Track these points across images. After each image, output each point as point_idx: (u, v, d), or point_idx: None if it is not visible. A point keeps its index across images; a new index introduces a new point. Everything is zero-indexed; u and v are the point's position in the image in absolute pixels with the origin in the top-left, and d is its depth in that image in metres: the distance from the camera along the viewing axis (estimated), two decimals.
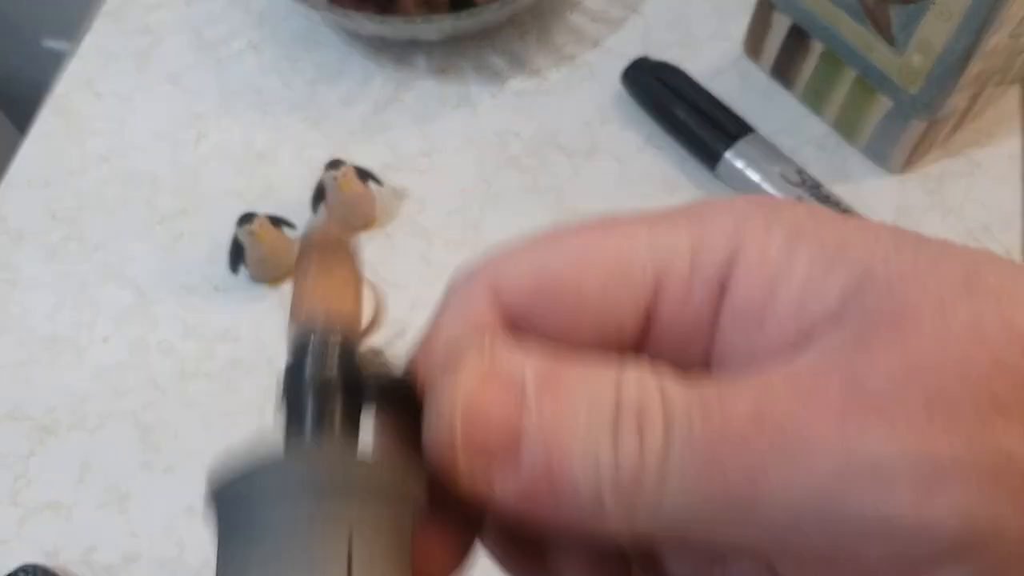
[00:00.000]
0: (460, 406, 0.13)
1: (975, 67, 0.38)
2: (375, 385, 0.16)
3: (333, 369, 0.15)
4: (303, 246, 0.17)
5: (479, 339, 0.14)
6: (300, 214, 0.43)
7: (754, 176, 0.42)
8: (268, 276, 0.42)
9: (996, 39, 0.36)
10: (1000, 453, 0.12)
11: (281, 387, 0.16)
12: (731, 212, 0.14)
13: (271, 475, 0.14)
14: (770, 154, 0.43)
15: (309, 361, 0.15)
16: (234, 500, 0.14)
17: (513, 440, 0.13)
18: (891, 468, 0.12)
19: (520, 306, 0.15)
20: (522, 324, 0.15)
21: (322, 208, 0.43)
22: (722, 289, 0.14)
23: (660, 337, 0.15)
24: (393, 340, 0.40)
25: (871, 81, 0.41)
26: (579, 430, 0.13)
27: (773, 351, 0.13)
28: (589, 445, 0.13)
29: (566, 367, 0.13)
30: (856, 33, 0.40)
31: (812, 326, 0.13)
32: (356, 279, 0.17)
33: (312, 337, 0.15)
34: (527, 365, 0.13)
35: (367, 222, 0.44)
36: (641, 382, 0.13)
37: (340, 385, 0.15)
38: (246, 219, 0.40)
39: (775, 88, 0.47)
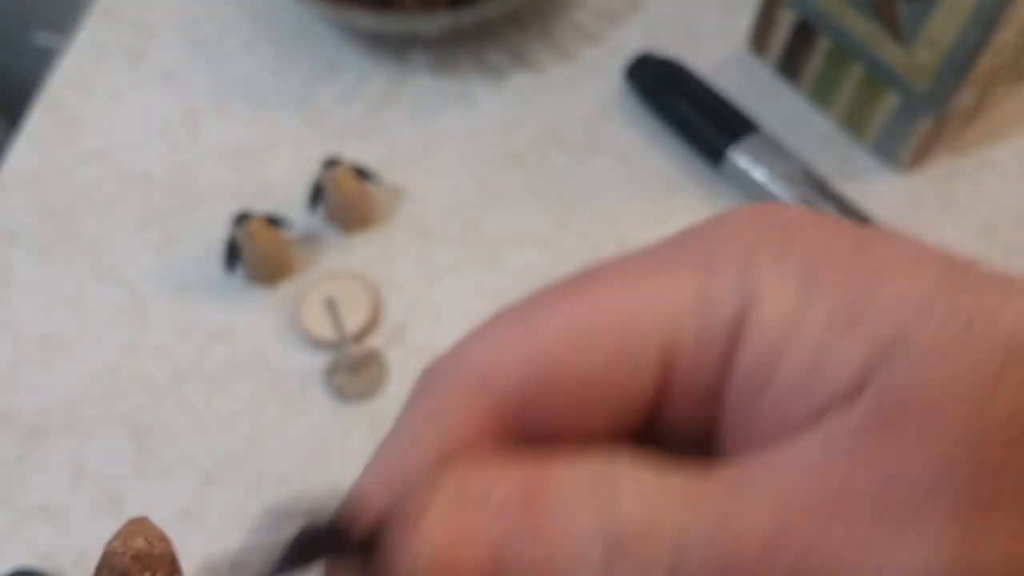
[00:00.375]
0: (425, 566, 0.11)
1: (984, 63, 0.37)
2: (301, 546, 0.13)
3: None
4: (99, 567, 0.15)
5: (449, 475, 0.12)
6: (297, 213, 0.43)
7: (759, 174, 0.42)
8: (264, 276, 0.41)
9: (1004, 35, 0.36)
10: None
11: None
12: (739, 247, 0.13)
13: None
14: (775, 152, 0.42)
15: None
16: None
17: None
18: None
19: (514, 404, 0.13)
20: (517, 423, 0.13)
21: (320, 208, 0.42)
22: (731, 351, 0.12)
23: (669, 409, 0.13)
24: (392, 341, 0.40)
25: (878, 77, 0.41)
26: None
27: (785, 427, 0.12)
28: None
29: (548, 505, 0.11)
30: (863, 29, 0.40)
31: (829, 400, 0.11)
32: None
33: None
34: (501, 508, 0.11)
35: (365, 221, 0.43)
36: (644, 500, 0.11)
37: None
38: (242, 219, 0.39)
39: (780, 85, 0.47)
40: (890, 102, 0.41)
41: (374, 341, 0.40)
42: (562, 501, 0.11)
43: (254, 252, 0.40)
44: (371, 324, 0.40)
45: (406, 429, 0.14)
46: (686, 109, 0.44)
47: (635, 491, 0.11)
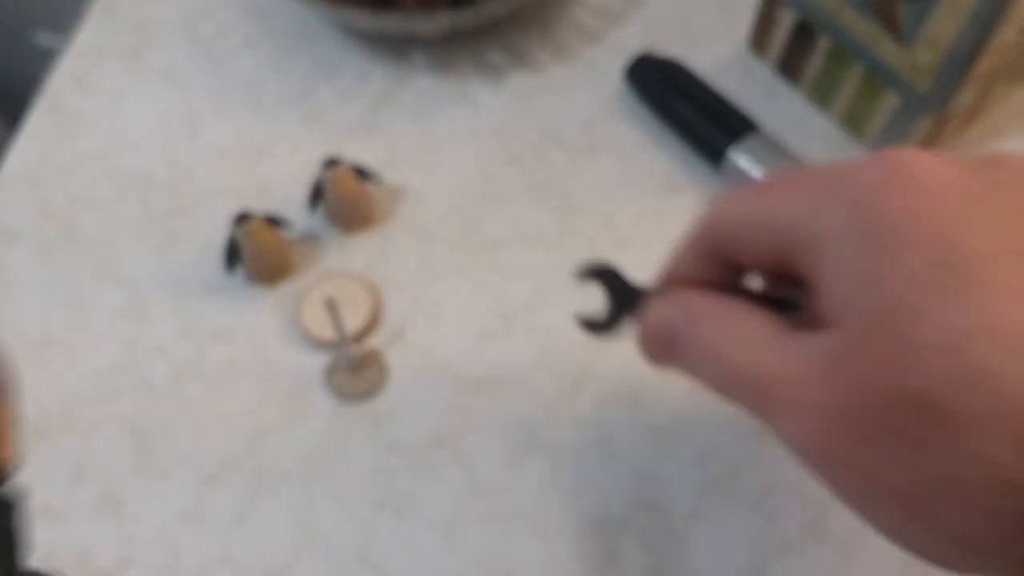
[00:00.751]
0: (644, 321, 0.27)
1: (983, 64, 0.37)
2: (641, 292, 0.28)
3: None
4: None
5: (665, 291, 0.26)
6: (297, 213, 0.43)
7: (759, 174, 0.42)
8: (264, 276, 0.41)
9: (1004, 35, 0.36)
10: None
11: None
12: (847, 193, 0.22)
13: None
14: (775, 152, 0.42)
15: None
16: None
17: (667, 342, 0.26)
18: None
19: (727, 240, 0.25)
20: (729, 247, 0.25)
21: (320, 208, 0.42)
22: (812, 261, 0.23)
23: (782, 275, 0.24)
24: (392, 340, 0.40)
25: (878, 77, 0.41)
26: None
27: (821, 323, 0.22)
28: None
29: (699, 314, 0.25)
30: (863, 28, 0.40)
31: (835, 319, 0.21)
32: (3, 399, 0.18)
33: None
34: (676, 311, 0.25)
35: (365, 221, 0.43)
36: (742, 338, 0.24)
37: None
38: (242, 219, 0.39)
39: (780, 85, 0.47)
40: (890, 102, 0.41)
41: (374, 341, 0.40)
42: (705, 317, 0.25)
43: (254, 252, 0.40)
44: (371, 324, 0.40)
45: (679, 247, 0.27)
46: (686, 109, 0.44)
47: (740, 331, 0.24)
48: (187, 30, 0.50)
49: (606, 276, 0.30)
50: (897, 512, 0.21)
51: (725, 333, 0.24)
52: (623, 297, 0.29)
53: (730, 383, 0.24)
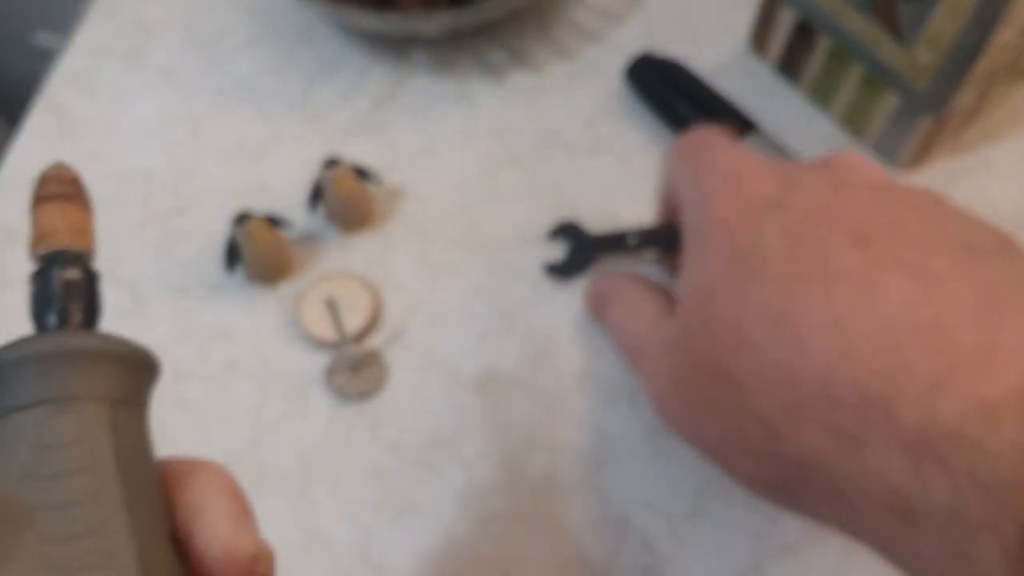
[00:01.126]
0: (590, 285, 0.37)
1: (984, 63, 0.37)
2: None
3: (76, 273, 0.19)
4: (39, 179, 0.20)
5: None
6: (297, 213, 0.43)
7: None
8: (264, 276, 0.41)
9: (1005, 35, 0.36)
10: None
11: (30, 291, 0.19)
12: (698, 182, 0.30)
13: (14, 357, 0.17)
14: (775, 151, 0.42)
15: (55, 268, 0.19)
16: None
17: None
18: None
19: (667, 195, 0.34)
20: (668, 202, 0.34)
21: (320, 208, 0.42)
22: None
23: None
24: (391, 340, 0.40)
25: (878, 77, 0.41)
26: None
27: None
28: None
29: (620, 296, 0.33)
30: (863, 28, 0.40)
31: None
32: (86, 203, 0.20)
33: (55, 249, 0.19)
34: (606, 285, 0.35)
35: (365, 221, 0.43)
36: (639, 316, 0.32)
37: (80, 285, 0.19)
38: (242, 219, 0.39)
39: (781, 84, 0.47)
40: (890, 102, 0.41)
41: (374, 341, 0.40)
42: (621, 293, 0.33)
43: (254, 252, 0.40)
44: (371, 324, 0.40)
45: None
46: (686, 109, 0.44)
47: (638, 310, 0.32)
48: (187, 30, 0.50)
49: (569, 229, 0.41)
50: (718, 462, 0.26)
51: (629, 308, 0.32)
52: (582, 245, 0.40)
53: (626, 348, 0.32)
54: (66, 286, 0.18)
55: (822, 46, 0.43)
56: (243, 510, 0.18)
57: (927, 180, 0.43)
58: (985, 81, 0.39)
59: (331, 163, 0.41)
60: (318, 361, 0.39)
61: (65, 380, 0.17)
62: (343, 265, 0.42)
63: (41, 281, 0.18)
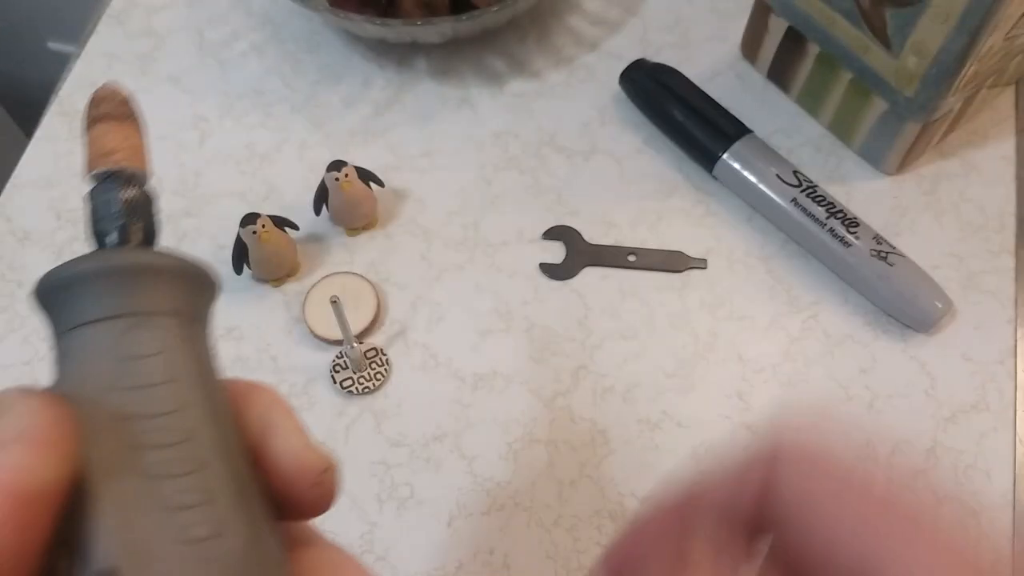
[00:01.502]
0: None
1: (970, 69, 0.38)
2: None
3: (136, 192, 0.18)
4: (92, 101, 0.19)
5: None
6: (303, 215, 0.44)
7: (751, 177, 0.43)
8: (271, 276, 0.42)
9: (991, 41, 0.37)
10: None
11: (89, 209, 0.18)
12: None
13: (84, 271, 0.16)
14: (767, 155, 0.43)
15: (113, 186, 0.18)
16: (57, 299, 0.17)
17: None
18: None
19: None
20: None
21: (324, 210, 0.43)
22: None
23: None
24: (394, 338, 0.41)
25: (866, 83, 0.42)
26: None
27: None
28: None
29: None
30: (852, 36, 0.41)
31: None
32: (139, 124, 0.20)
33: (113, 168, 0.18)
34: None
35: (368, 222, 0.44)
36: None
37: (139, 203, 0.18)
38: (249, 220, 0.40)
39: (772, 90, 0.48)
40: (878, 107, 0.42)
41: (377, 338, 0.41)
42: None
43: (261, 253, 0.41)
44: (374, 322, 0.41)
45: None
46: (680, 113, 0.45)
47: None
48: (195, 37, 0.51)
49: (566, 233, 0.43)
50: None
51: None
52: (577, 247, 0.42)
53: None
54: (127, 204, 0.18)
55: (811, 53, 0.44)
56: (304, 426, 0.18)
57: (913, 183, 0.45)
58: (971, 87, 0.40)
59: (336, 166, 0.41)
60: (323, 358, 0.41)
61: (142, 295, 0.17)
62: (347, 265, 0.43)
63: (101, 199, 0.18)
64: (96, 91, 0.19)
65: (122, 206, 0.18)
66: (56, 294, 0.17)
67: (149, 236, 0.18)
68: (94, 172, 0.18)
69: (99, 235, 0.18)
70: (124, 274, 0.17)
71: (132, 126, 0.19)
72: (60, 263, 0.17)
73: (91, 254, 0.17)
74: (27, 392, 0.15)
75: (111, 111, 0.19)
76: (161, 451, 0.15)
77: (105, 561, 0.14)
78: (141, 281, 0.17)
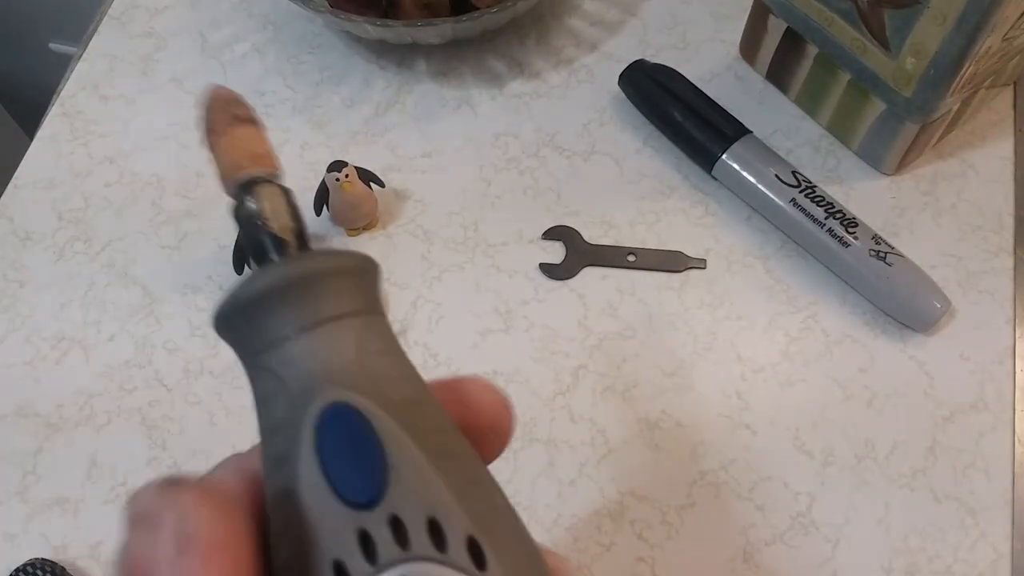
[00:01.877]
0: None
1: (968, 70, 0.38)
2: None
3: (281, 195, 0.18)
4: (207, 107, 0.19)
5: None
6: (303, 215, 0.44)
7: (750, 177, 0.43)
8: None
9: (989, 42, 0.37)
10: None
11: (240, 218, 0.18)
12: None
13: (258, 289, 0.16)
14: (766, 156, 0.43)
15: (261, 192, 0.18)
16: (236, 321, 0.16)
17: None
18: None
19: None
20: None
21: (324, 210, 0.44)
22: None
23: None
24: None
25: (865, 84, 0.42)
26: None
27: None
28: None
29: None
30: (850, 37, 0.41)
31: None
32: (258, 125, 0.19)
33: (257, 175, 0.18)
34: None
35: (369, 222, 0.44)
36: None
37: (278, 214, 0.18)
38: (336, 167, 0.40)
39: (771, 91, 0.48)
40: (876, 108, 0.42)
41: None
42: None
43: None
44: None
45: None
46: (680, 114, 0.45)
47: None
48: (197, 38, 0.52)
49: (565, 233, 0.43)
50: None
51: None
52: (577, 250, 0.42)
53: None
54: (284, 209, 0.18)
55: (810, 54, 0.44)
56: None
57: (912, 184, 0.45)
58: (969, 87, 0.40)
59: (336, 166, 0.42)
60: None
61: (368, 294, 0.17)
62: None
63: (252, 208, 0.18)
64: (211, 96, 0.19)
65: (280, 211, 0.18)
66: (248, 315, 0.16)
67: (305, 236, 0.18)
68: (237, 180, 0.18)
69: (261, 246, 0.18)
70: (357, 273, 0.17)
71: (258, 129, 0.19)
72: (235, 287, 0.17)
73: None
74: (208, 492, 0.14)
75: (233, 116, 0.19)
76: (430, 437, 0.16)
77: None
78: (367, 280, 0.17)
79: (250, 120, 0.19)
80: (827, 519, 0.37)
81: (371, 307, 0.17)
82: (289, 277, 0.16)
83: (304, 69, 0.50)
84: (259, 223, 0.18)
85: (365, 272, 0.18)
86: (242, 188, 0.18)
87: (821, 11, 0.42)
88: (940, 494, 0.37)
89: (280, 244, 0.18)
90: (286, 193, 0.19)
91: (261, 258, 0.18)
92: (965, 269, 0.42)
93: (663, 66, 0.47)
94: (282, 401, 0.16)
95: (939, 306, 0.40)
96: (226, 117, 0.19)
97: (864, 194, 0.44)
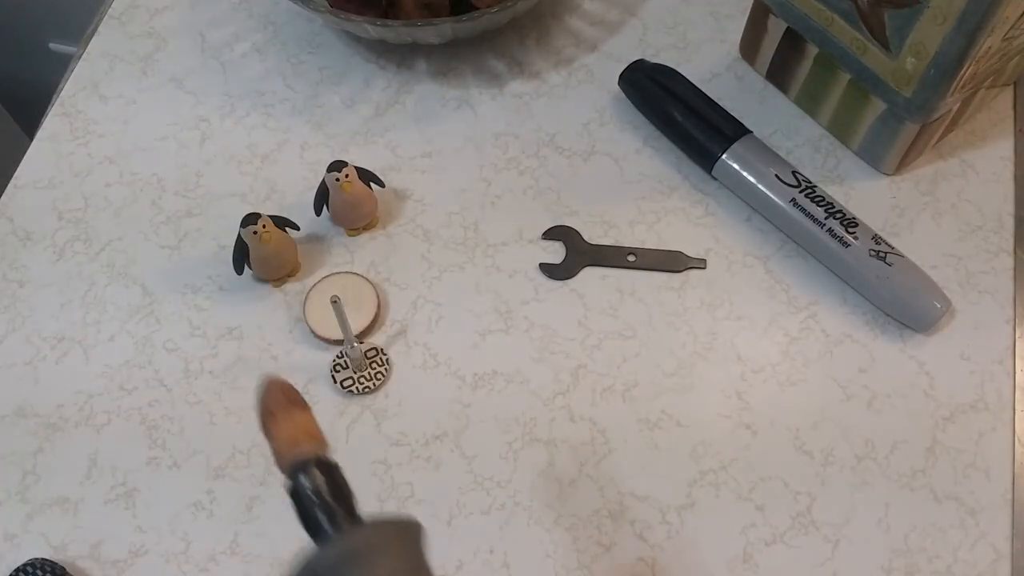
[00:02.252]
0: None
1: (968, 70, 0.38)
2: None
3: (322, 482, 0.22)
4: (262, 397, 0.23)
5: None
6: (303, 214, 0.44)
7: (750, 177, 0.43)
8: (272, 276, 0.43)
9: (989, 42, 0.37)
10: None
11: (297, 498, 0.22)
12: None
13: (319, 565, 0.20)
14: (766, 156, 0.43)
15: (308, 477, 0.22)
16: None
17: None
18: None
19: None
20: None
21: (324, 210, 0.43)
22: None
23: None
24: (394, 338, 0.41)
25: (865, 84, 0.42)
26: None
27: None
28: None
29: None
30: (850, 37, 0.41)
31: None
32: (307, 409, 0.23)
33: (301, 464, 0.22)
34: None
35: (369, 222, 0.44)
36: None
37: (330, 490, 0.22)
38: (250, 220, 0.40)
39: (771, 91, 0.48)
40: (876, 108, 0.42)
41: (377, 338, 0.41)
42: None
43: (262, 253, 0.41)
44: (374, 322, 0.41)
45: None
46: (680, 114, 0.45)
47: None
48: (197, 38, 0.52)
49: (565, 233, 0.43)
50: None
51: None
52: (577, 250, 0.42)
53: None
54: (332, 488, 0.23)
55: (810, 54, 0.44)
56: None
57: (912, 184, 0.45)
58: (969, 87, 0.40)
59: (336, 166, 0.42)
60: (323, 358, 0.41)
61: (414, 557, 0.21)
62: (348, 265, 0.43)
63: (306, 489, 0.22)
64: (267, 383, 0.23)
65: (332, 487, 0.22)
66: None
67: (353, 507, 0.22)
68: (295, 457, 0.22)
69: (316, 520, 0.22)
70: (400, 540, 0.22)
71: (306, 412, 0.23)
72: (311, 556, 0.21)
73: (328, 546, 0.22)
74: None
75: (292, 399, 0.23)
76: None
77: None
78: (414, 543, 0.22)
79: (302, 404, 0.23)
80: (827, 519, 0.36)
81: (416, 566, 0.21)
82: (346, 551, 0.21)
83: (304, 69, 0.50)
84: (315, 499, 0.22)
85: (410, 540, 0.22)
86: (297, 467, 0.22)
87: (821, 11, 0.42)
88: (940, 494, 0.37)
89: (333, 516, 0.22)
90: (336, 469, 0.23)
91: (316, 531, 0.22)
92: (965, 269, 0.42)
93: (663, 66, 0.47)
94: None
95: (939, 306, 0.40)
96: (282, 400, 0.23)
97: (864, 194, 0.44)
